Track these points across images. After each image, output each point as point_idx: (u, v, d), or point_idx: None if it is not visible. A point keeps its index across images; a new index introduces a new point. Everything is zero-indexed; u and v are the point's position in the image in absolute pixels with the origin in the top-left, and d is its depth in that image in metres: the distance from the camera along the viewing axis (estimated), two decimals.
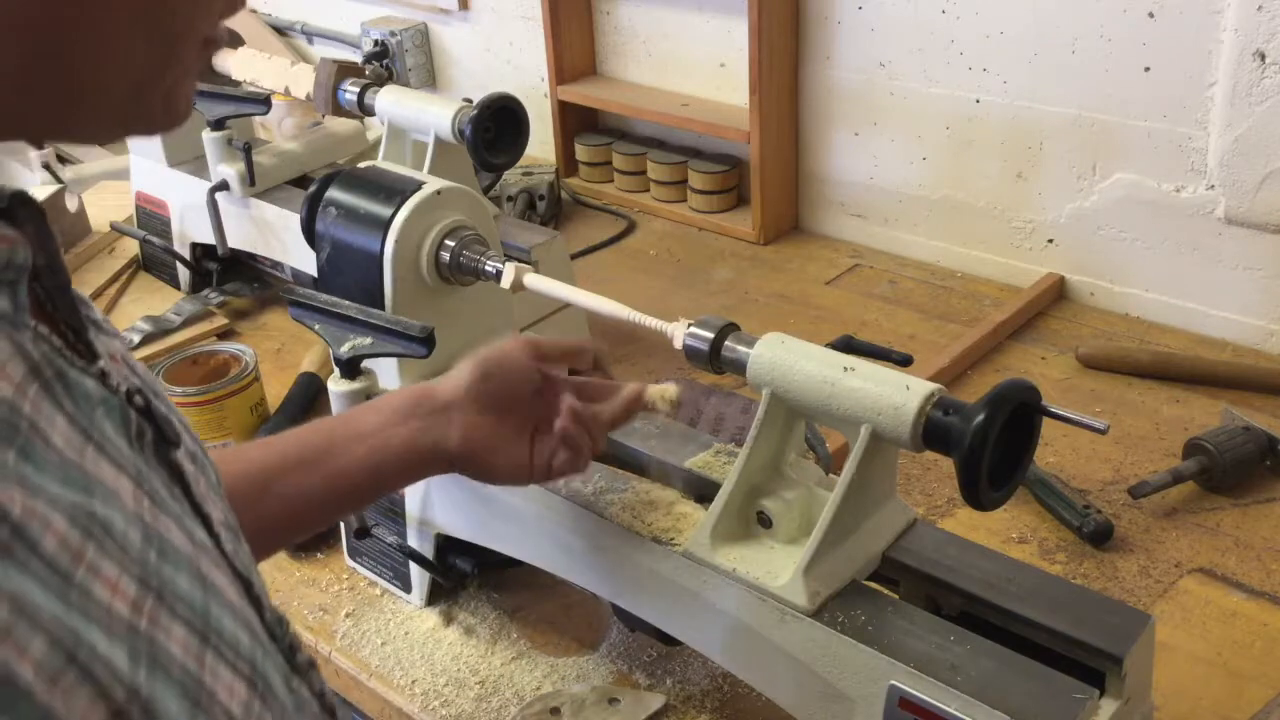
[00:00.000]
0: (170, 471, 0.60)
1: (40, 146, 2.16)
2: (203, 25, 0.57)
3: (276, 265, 2.08)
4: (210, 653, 0.50)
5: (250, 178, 1.92)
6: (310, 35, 3.07)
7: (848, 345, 1.07)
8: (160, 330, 1.97)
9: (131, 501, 0.51)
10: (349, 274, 1.33)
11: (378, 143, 1.92)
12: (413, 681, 1.30)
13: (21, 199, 0.55)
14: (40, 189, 2.27)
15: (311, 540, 1.49)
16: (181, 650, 0.48)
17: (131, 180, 2.17)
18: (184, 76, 0.57)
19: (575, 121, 2.56)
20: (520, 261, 1.31)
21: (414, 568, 1.38)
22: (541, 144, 2.46)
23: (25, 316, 0.52)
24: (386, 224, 1.29)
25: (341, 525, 1.43)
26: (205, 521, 0.61)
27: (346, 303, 1.24)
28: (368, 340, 1.22)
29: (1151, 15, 1.78)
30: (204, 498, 0.62)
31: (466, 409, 1.02)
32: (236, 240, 2.01)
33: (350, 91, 1.84)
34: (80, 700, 0.41)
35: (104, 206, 2.37)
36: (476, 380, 1.02)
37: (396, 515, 1.37)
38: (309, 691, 0.65)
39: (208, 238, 2.02)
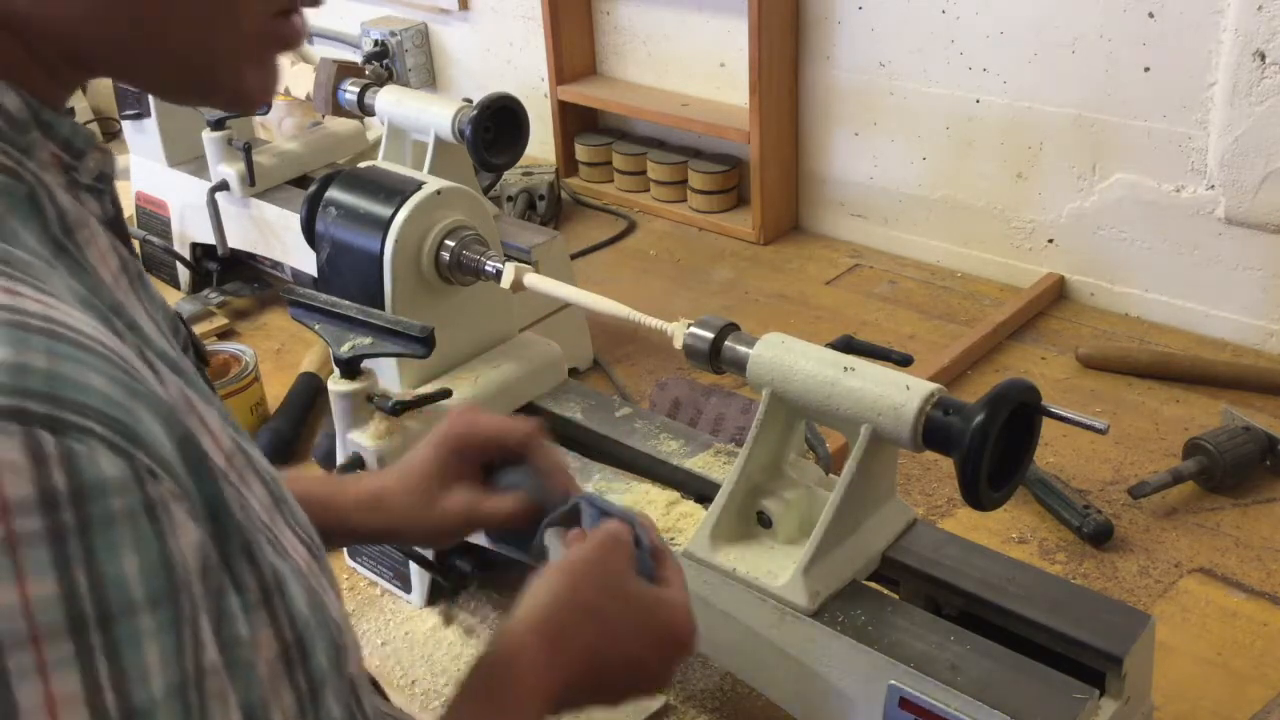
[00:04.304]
0: (207, 385, 0.63)
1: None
2: (263, 2, 0.57)
3: (276, 265, 2.07)
4: (279, 515, 0.55)
5: (250, 178, 1.92)
6: (310, 35, 3.07)
7: (848, 345, 1.07)
8: None
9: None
10: (349, 274, 1.33)
11: (378, 143, 1.92)
12: (413, 682, 1.30)
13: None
14: None
15: None
16: (261, 503, 0.53)
17: (131, 180, 2.17)
18: (250, 57, 0.57)
19: (575, 121, 2.56)
20: (520, 261, 1.31)
21: (414, 568, 1.37)
22: (541, 144, 2.46)
23: (116, 221, 0.58)
24: (386, 224, 1.29)
25: None
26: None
27: (346, 303, 1.24)
28: (368, 340, 1.22)
29: (1151, 15, 1.78)
30: None
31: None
32: (236, 240, 2.01)
33: (350, 91, 1.84)
34: (229, 488, 0.49)
35: None
36: (439, 439, 0.91)
37: None
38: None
39: (208, 238, 2.02)
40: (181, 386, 0.51)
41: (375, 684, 0.84)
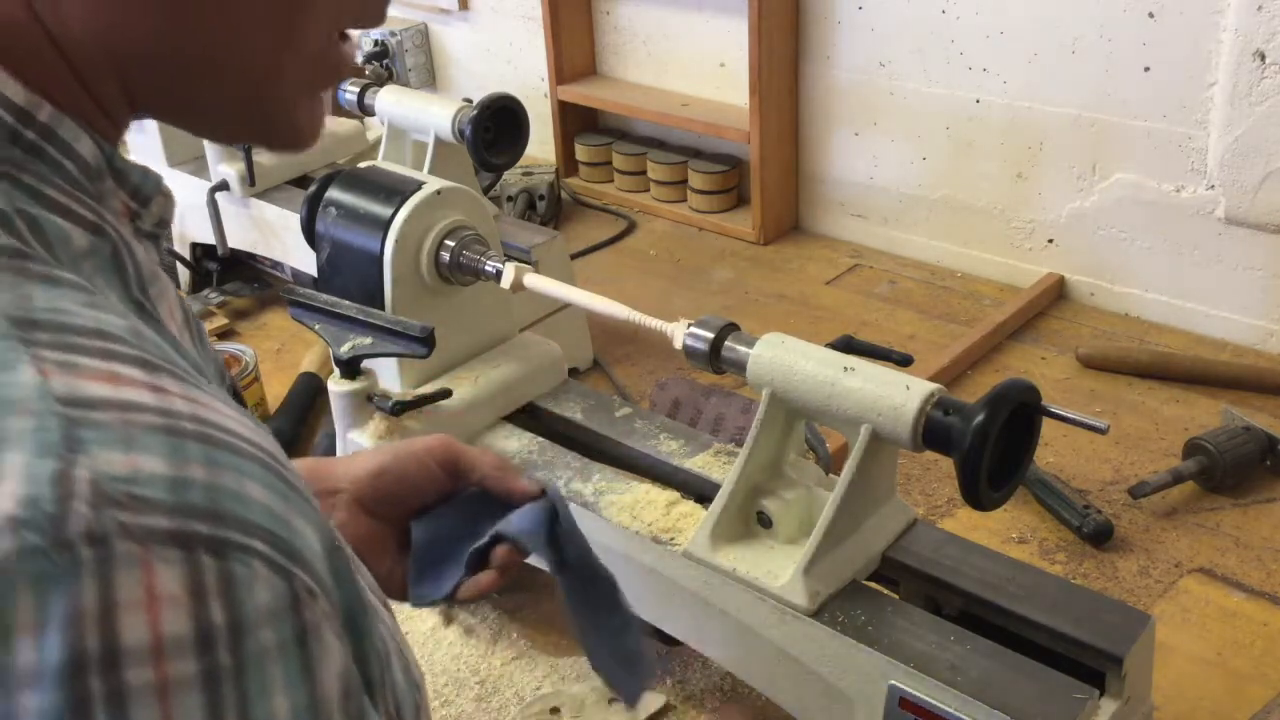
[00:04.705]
0: None
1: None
2: (327, 21, 0.54)
3: (276, 265, 2.07)
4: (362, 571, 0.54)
5: (250, 178, 1.92)
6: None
7: (848, 345, 1.07)
8: None
9: None
10: (349, 274, 1.33)
11: (378, 143, 1.92)
12: None
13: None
14: None
15: None
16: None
17: None
18: (308, 91, 0.55)
19: (575, 121, 2.56)
20: (520, 261, 1.31)
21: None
22: (541, 144, 2.46)
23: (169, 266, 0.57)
24: (386, 224, 1.29)
25: None
26: None
27: (346, 303, 1.24)
28: (368, 340, 1.22)
29: (1151, 15, 1.78)
30: None
31: (349, 503, 0.87)
32: (236, 240, 2.01)
33: (350, 91, 1.84)
34: (364, 582, 0.48)
35: None
36: (369, 474, 0.88)
37: None
38: None
39: (208, 238, 2.02)
40: None
41: None
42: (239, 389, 0.67)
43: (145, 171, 0.54)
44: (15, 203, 0.45)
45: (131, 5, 0.48)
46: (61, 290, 0.43)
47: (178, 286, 0.59)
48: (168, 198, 0.56)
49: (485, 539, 0.85)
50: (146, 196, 0.54)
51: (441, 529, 0.85)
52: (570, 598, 0.85)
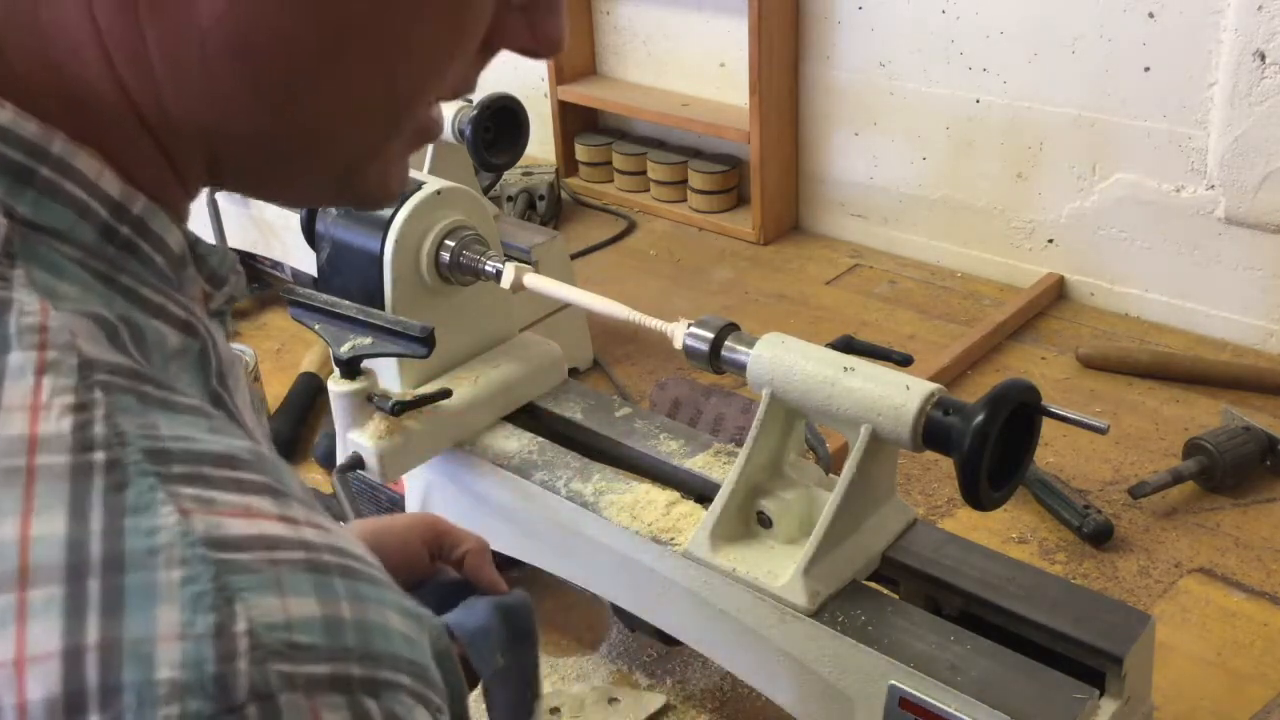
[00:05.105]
0: None
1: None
2: (430, 94, 0.51)
3: (276, 265, 2.07)
4: None
5: None
6: None
7: (848, 345, 1.07)
8: None
9: None
10: (349, 274, 1.33)
11: None
12: None
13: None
14: None
15: None
16: None
17: None
18: (400, 155, 0.53)
19: (575, 121, 2.56)
20: (520, 261, 1.31)
21: None
22: (541, 144, 2.46)
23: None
24: (386, 224, 1.29)
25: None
26: None
27: (346, 303, 1.23)
28: (368, 340, 1.22)
29: (1151, 15, 1.78)
30: None
31: None
32: (236, 240, 2.01)
33: None
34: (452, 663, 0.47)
35: None
36: None
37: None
38: None
39: (208, 238, 2.01)
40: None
41: None
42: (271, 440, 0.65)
43: (224, 254, 0.52)
44: (116, 308, 0.43)
45: (238, 96, 0.45)
46: (184, 416, 0.41)
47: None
48: (240, 275, 0.54)
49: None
50: (223, 278, 0.52)
51: None
52: (497, 699, 0.81)
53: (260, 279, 2.14)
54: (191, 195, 0.50)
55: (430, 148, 1.75)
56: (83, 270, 0.43)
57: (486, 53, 0.52)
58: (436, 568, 0.86)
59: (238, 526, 0.38)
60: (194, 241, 0.50)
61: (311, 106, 0.47)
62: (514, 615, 0.81)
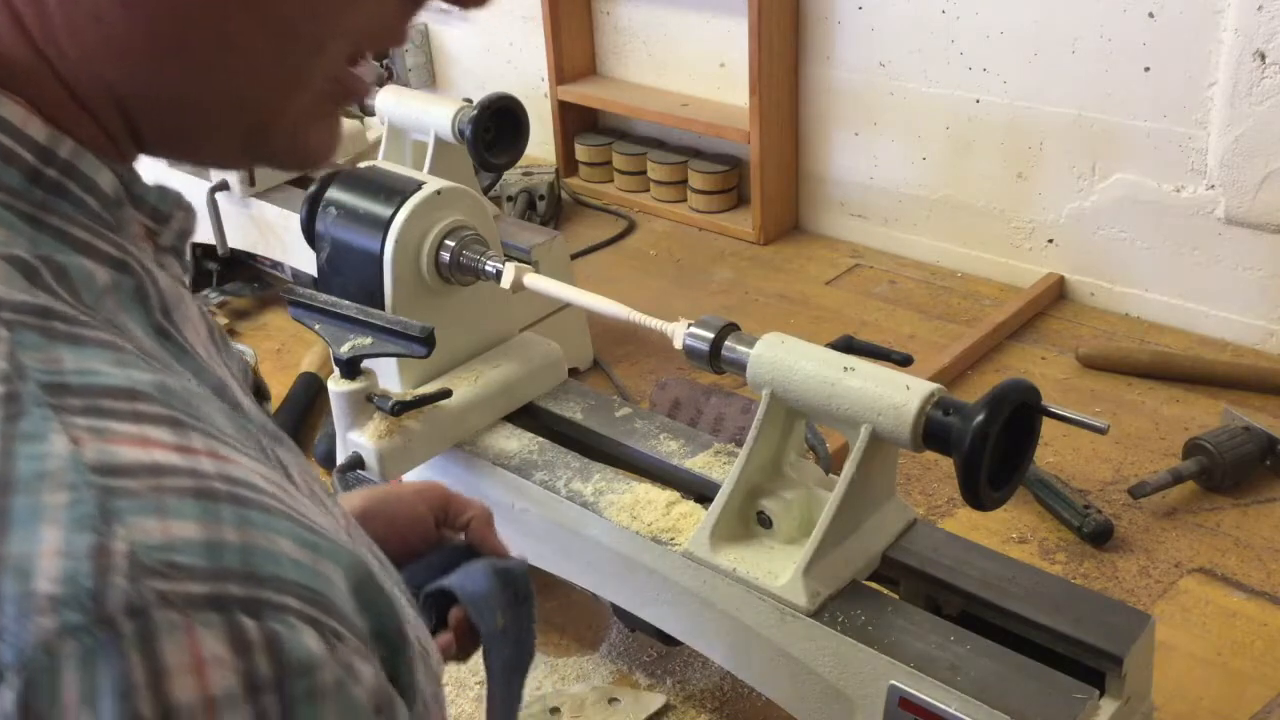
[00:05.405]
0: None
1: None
2: (336, 44, 0.51)
3: (276, 265, 2.07)
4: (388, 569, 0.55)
5: (250, 177, 1.92)
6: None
7: (848, 345, 1.07)
8: None
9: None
10: (349, 274, 1.33)
11: (378, 143, 1.92)
12: None
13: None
14: None
15: None
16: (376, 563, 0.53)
17: None
18: (316, 114, 0.53)
19: (575, 121, 2.56)
20: (520, 261, 1.31)
21: None
22: (541, 144, 2.46)
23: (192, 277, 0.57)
24: (386, 224, 1.29)
25: None
26: None
27: (346, 303, 1.24)
28: (368, 340, 1.22)
29: (1151, 15, 1.78)
30: None
31: None
32: (236, 240, 2.01)
33: None
34: (400, 600, 0.48)
35: None
36: (354, 517, 0.88)
37: None
38: None
39: (208, 238, 2.02)
40: (299, 473, 0.50)
41: None
42: (263, 385, 0.67)
43: (162, 191, 0.54)
44: (40, 248, 0.45)
45: (134, 49, 0.47)
46: (89, 350, 0.43)
47: (196, 289, 0.57)
48: (188, 211, 0.56)
49: (433, 586, 0.83)
50: (166, 214, 0.54)
51: (416, 578, 0.84)
52: (494, 660, 0.82)
53: (260, 279, 2.14)
54: (123, 150, 0.51)
55: (430, 148, 1.75)
56: (8, 212, 0.45)
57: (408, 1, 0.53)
58: (443, 535, 0.88)
59: (129, 454, 0.40)
60: (129, 182, 0.51)
61: (204, 59, 0.48)
62: (513, 578, 0.83)
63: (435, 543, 0.88)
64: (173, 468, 0.40)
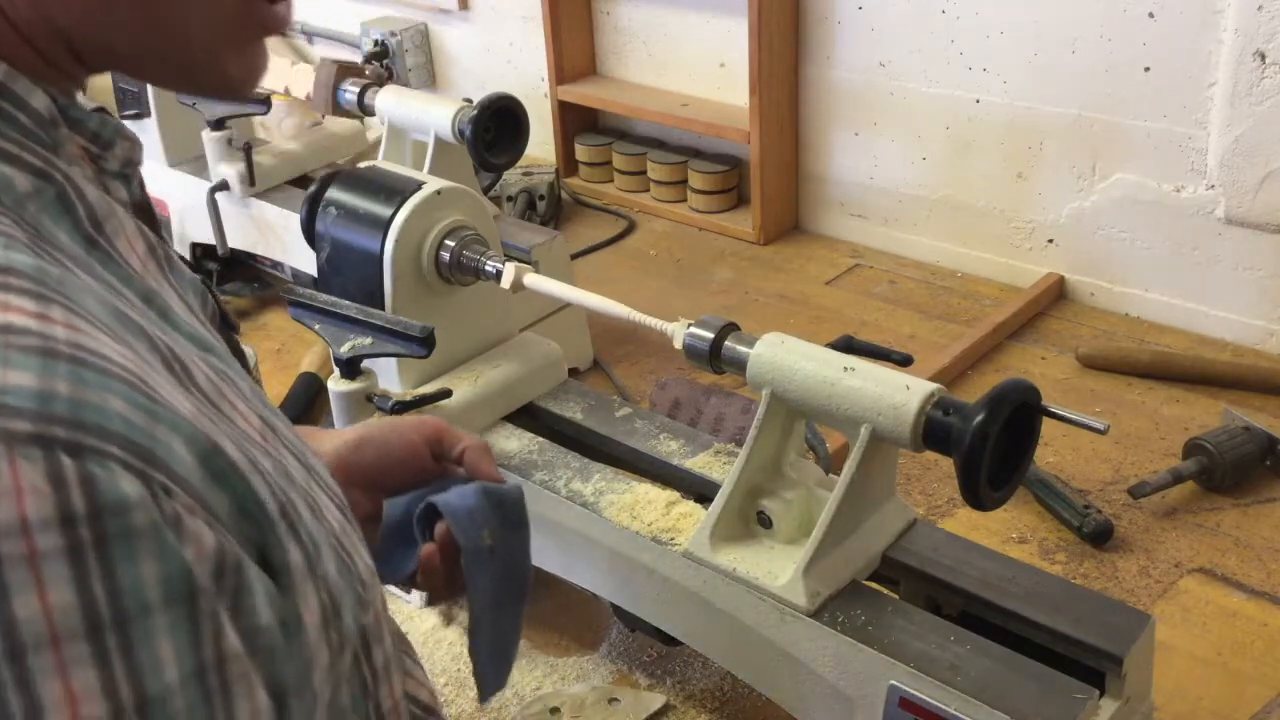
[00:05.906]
0: (234, 353, 0.65)
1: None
2: None
3: (276, 265, 2.07)
4: (314, 480, 0.59)
5: (250, 178, 1.92)
6: (310, 35, 3.07)
7: (848, 345, 1.07)
8: None
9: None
10: (349, 274, 1.33)
11: (378, 143, 1.92)
12: None
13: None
14: None
15: None
16: (297, 472, 0.57)
17: None
18: (231, 41, 0.58)
19: (575, 121, 2.56)
20: (520, 261, 1.31)
21: None
22: (541, 144, 2.46)
23: (144, 205, 0.62)
24: (386, 224, 1.29)
25: None
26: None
27: (346, 303, 1.24)
28: (368, 340, 1.22)
29: (1151, 15, 1.78)
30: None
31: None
32: (236, 240, 2.01)
33: (350, 91, 1.84)
34: (260, 482, 0.51)
35: None
36: (350, 445, 0.87)
37: None
38: None
39: (208, 238, 2.02)
40: (211, 376, 0.54)
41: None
42: (227, 314, 0.69)
43: (103, 119, 0.59)
44: None
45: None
46: None
47: (155, 225, 0.62)
48: (132, 142, 0.61)
49: (421, 506, 0.83)
50: (107, 141, 0.59)
51: (412, 508, 0.85)
52: (479, 582, 0.82)
53: (260, 279, 2.14)
54: (66, 71, 0.56)
55: (430, 148, 1.75)
56: None
57: None
58: (446, 468, 0.89)
59: None
60: (66, 106, 0.56)
61: None
62: (504, 501, 0.83)
63: (435, 474, 0.89)
64: (24, 329, 0.45)
